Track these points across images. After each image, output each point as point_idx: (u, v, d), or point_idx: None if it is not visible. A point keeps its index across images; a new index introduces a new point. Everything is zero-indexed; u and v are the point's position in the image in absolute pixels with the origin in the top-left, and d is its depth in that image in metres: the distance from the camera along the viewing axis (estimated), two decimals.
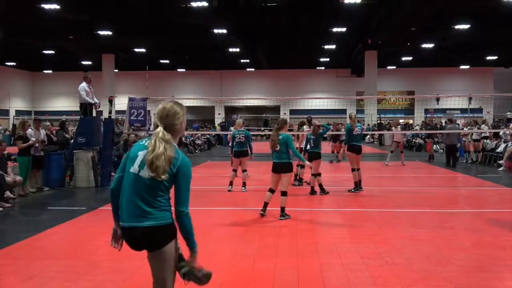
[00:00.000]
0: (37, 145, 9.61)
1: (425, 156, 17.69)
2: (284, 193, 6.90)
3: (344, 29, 23.86)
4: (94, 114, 11.18)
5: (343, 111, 39.17)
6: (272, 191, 7.04)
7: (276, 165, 6.99)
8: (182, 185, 2.54)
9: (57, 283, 4.26)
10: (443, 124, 20.52)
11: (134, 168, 2.55)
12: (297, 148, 10.05)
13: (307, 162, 8.17)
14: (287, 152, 6.89)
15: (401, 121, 31.67)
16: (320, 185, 9.24)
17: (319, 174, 9.31)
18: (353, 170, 9.36)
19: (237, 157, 9.66)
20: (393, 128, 16.57)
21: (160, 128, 2.56)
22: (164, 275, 2.58)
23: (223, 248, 5.47)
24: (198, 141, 23.60)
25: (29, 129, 9.81)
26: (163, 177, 2.47)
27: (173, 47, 29.18)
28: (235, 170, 9.77)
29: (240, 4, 20.37)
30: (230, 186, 9.57)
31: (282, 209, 6.89)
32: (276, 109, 41.12)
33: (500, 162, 13.51)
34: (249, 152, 9.72)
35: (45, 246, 5.69)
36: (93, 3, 19.57)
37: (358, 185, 9.43)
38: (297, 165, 10.57)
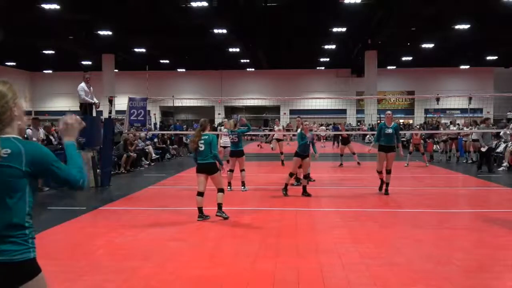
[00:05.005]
0: None
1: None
2: (220, 190, 6.84)
3: (344, 29, 23.88)
4: (94, 114, 11.16)
5: (343, 111, 39.24)
6: (201, 194, 6.70)
7: (201, 166, 6.76)
8: (51, 171, 2.00)
9: (57, 283, 4.25)
10: (448, 124, 20.13)
11: None
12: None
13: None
14: (211, 153, 6.77)
15: (401, 121, 31.67)
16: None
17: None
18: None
19: (233, 156, 9.70)
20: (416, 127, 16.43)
21: None
22: None
23: (223, 248, 5.46)
24: None
25: (28, 129, 9.75)
26: None
27: (173, 47, 29.20)
28: (231, 170, 9.77)
29: (240, 4, 20.38)
30: (229, 187, 9.56)
31: (219, 206, 6.82)
32: (276, 109, 41.15)
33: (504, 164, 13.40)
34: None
35: (45, 246, 5.67)
36: (93, 3, 19.59)
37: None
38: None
